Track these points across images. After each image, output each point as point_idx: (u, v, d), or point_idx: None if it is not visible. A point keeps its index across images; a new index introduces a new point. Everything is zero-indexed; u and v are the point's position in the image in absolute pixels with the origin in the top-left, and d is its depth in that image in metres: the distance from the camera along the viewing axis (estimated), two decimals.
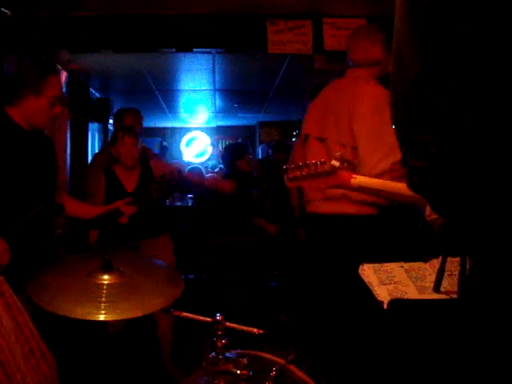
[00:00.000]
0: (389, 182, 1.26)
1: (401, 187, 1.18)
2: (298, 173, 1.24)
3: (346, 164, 1.23)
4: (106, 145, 5.30)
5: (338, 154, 1.26)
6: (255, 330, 1.34)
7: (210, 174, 7.06)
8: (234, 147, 4.54)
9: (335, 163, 1.21)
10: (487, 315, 0.75)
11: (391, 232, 2.15)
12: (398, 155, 2.00)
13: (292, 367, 1.36)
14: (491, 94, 0.67)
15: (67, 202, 2.26)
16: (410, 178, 0.81)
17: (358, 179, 1.21)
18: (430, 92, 0.72)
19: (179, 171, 2.67)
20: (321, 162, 1.22)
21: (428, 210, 1.09)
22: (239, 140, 8.71)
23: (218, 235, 3.99)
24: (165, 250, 2.96)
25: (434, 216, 1.03)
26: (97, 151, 5.22)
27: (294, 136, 6.92)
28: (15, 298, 1.20)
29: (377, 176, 1.93)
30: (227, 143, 8.89)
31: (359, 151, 2.08)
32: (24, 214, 1.93)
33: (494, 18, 0.65)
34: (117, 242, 2.80)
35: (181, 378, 2.87)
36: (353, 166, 1.30)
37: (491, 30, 0.65)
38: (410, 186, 0.83)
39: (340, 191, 1.87)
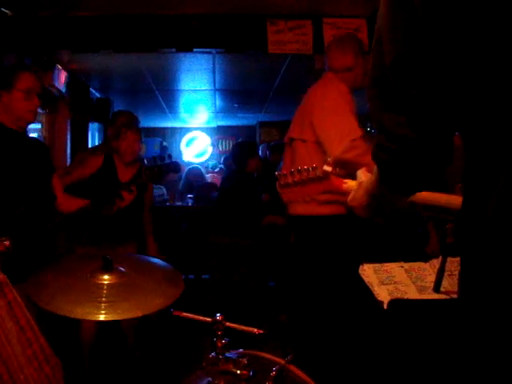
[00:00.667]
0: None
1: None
2: (289, 179, 1.22)
3: (337, 169, 1.22)
4: (101, 143, 5.29)
5: (329, 159, 1.26)
6: (255, 330, 1.34)
7: (210, 174, 7.07)
8: (248, 144, 4.40)
9: (327, 168, 1.20)
10: (487, 315, 0.75)
11: (363, 229, 2.21)
12: (357, 132, 2.14)
13: (292, 367, 1.36)
14: (461, 84, 0.71)
15: (64, 200, 2.29)
16: (377, 153, 0.85)
17: (349, 184, 1.21)
18: (403, 78, 0.75)
19: None
20: (312, 168, 1.21)
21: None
22: (239, 140, 8.72)
23: (224, 236, 3.95)
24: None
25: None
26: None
27: None
28: (19, 299, 1.20)
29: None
30: (228, 143, 8.89)
31: (323, 143, 2.23)
32: (15, 209, 1.96)
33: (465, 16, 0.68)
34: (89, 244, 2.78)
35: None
36: (346, 170, 1.30)
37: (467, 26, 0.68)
38: (376, 160, 0.87)
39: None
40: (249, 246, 3.89)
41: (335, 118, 2.20)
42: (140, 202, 2.88)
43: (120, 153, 2.85)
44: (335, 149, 2.13)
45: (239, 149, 4.22)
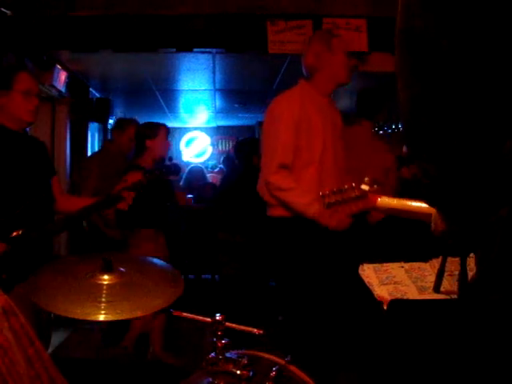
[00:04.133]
0: (407, 201, 1.34)
1: (419, 206, 1.27)
2: (332, 199, 1.34)
3: (375, 186, 1.34)
4: (103, 145, 5.32)
5: (367, 178, 1.38)
6: (255, 329, 1.34)
7: (209, 174, 7.07)
8: (251, 142, 4.45)
9: (365, 187, 1.35)
10: (487, 315, 0.75)
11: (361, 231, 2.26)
12: (284, 158, 2.24)
13: (292, 367, 1.36)
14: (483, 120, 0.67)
15: (65, 200, 2.29)
16: (422, 191, 0.82)
17: (384, 200, 1.31)
18: (423, 118, 0.72)
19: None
20: (352, 187, 1.33)
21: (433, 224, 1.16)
22: (240, 139, 8.72)
23: (234, 233, 3.99)
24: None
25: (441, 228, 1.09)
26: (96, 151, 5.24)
27: None
28: (25, 324, 1.15)
29: (271, 182, 2.20)
30: (227, 143, 8.89)
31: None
32: (15, 209, 1.97)
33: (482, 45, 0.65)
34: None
35: (172, 361, 2.95)
36: (382, 188, 1.41)
37: (483, 58, 0.65)
38: (423, 199, 0.86)
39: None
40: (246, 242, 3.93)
41: (267, 142, 2.33)
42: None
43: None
44: (263, 172, 2.28)
45: (244, 146, 4.27)
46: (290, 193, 2.21)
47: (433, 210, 1.15)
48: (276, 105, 2.35)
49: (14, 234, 1.88)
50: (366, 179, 1.34)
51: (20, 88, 2.06)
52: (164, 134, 3.14)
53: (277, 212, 2.28)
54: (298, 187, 2.23)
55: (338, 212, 1.43)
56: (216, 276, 4.84)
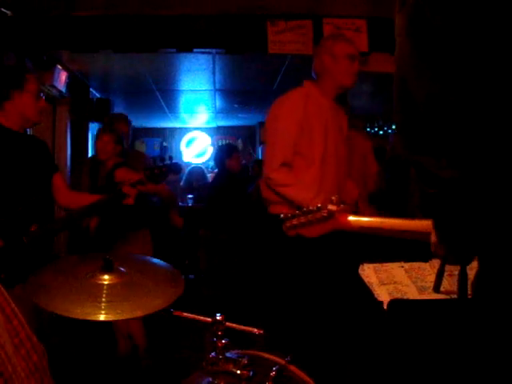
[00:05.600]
0: (387, 219, 1.26)
1: (397, 223, 1.19)
2: (295, 221, 1.24)
3: (342, 206, 1.24)
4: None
5: (333, 197, 1.26)
6: (255, 329, 1.34)
7: (209, 174, 7.07)
8: (222, 148, 4.93)
9: (332, 207, 1.22)
10: (487, 315, 0.75)
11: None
12: (283, 158, 2.26)
13: (292, 367, 1.36)
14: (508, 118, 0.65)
15: (70, 196, 2.30)
16: (421, 202, 0.79)
17: (355, 220, 1.22)
18: (441, 116, 0.69)
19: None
20: (317, 208, 1.22)
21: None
22: (239, 140, 8.72)
23: (211, 231, 4.28)
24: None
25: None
26: None
27: None
28: (2, 289, 1.20)
29: (273, 178, 2.24)
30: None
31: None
32: (15, 209, 1.98)
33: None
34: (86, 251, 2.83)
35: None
36: (349, 207, 1.31)
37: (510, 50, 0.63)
38: (421, 210, 0.83)
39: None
40: (227, 240, 4.18)
41: (269, 140, 2.36)
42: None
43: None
44: (265, 169, 2.31)
45: (216, 153, 4.86)
46: (293, 187, 2.23)
47: (409, 226, 1.11)
48: (279, 104, 2.37)
49: (32, 228, 1.92)
50: (333, 198, 1.24)
51: (31, 88, 2.10)
52: (99, 137, 3.09)
53: (277, 209, 2.29)
54: (300, 182, 2.25)
55: (302, 233, 1.32)
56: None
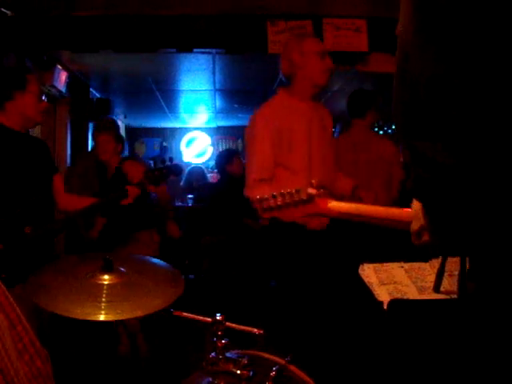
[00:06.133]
0: (364, 205, 1.23)
1: (377, 210, 1.16)
2: (272, 202, 1.18)
3: (321, 190, 1.20)
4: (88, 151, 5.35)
5: (313, 180, 1.22)
6: (255, 329, 1.34)
7: (209, 174, 7.07)
8: (222, 154, 5.00)
9: (311, 191, 1.15)
10: (487, 315, 0.75)
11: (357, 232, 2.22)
12: (262, 173, 2.23)
13: (292, 367, 1.36)
14: (506, 108, 0.64)
15: (66, 199, 2.30)
16: (416, 187, 0.77)
17: (335, 205, 1.18)
18: (442, 98, 0.67)
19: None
20: (296, 191, 1.16)
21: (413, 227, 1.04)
22: (239, 140, 8.72)
23: (208, 235, 4.33)
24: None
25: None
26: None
27: None
28: (7, 293, 1.20)
29: (249, 196, 2.16)
30: (228, 144, 8.89)
31: None
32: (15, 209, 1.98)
33: None
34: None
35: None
36: (328, 191, 1.27)
37: None
38: (414, 194, 0.80)
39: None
40: (223, 242, 4.24)
41: (246, 158, 2.36)
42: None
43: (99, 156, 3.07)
44: (244, 189, 2.26)
45: (217, 160, 4.98)
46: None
47: (388, 214, 1.09)
48: (251, 121, 2.34)
49: (26, 230, 1.91)
50: (313, 181, 1.18)
51: (32, 89, 2.10)
52: (96, 138, 3.11)
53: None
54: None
55: (278, 216, 1.27)
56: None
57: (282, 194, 1.18)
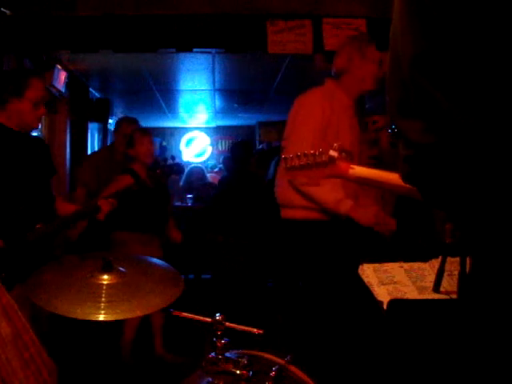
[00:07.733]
0: (385, 172, 1.27)
1: (397, 178, 1.18)
2: (296, 162, 1.24)
3: (343, 154, 1.24)
4: (104, 147, 5.33)
5: (336, 144, 1.26)
6: (255, 330, 1.34)
7: (209, 174, 7.07)
8: (247, 143, 4.43)
9: (333, 153, 1.21)
10: (487, 315, 0.75)
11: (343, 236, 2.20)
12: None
13: (292, 367, 1.36)
14: (490, 84, 0.63)
15: (60, 205, 2.29)
16: (402, 167, 0.78)
17: (356, 170, 1.22)
18: (423, 77, 0.67)
19: None
20: (319, 152, 1.22)
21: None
22: (237, 140, 8.72)
23: (227, 235, 4.01)
24: None
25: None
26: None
27: None
28: (12, 302, 1.20)
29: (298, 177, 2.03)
30: (227, 143, 8.89)
31: None
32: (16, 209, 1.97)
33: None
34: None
35: (175, 361, 2.97)
36: (350, 157, 1.31)
37: (495, 16, 0.60)
38: (401, 175, 0.80)
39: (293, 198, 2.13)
40: (248, 245, 3.94)
41: (294, 137, 2.21)
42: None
43: (140, 159, 2.89)
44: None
45: (241, 148, 4.20)
46: (320, 187, 2.06)
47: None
48: (307, 100, 2.29)
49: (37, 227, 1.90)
50: (335, 145, 1.24)
51: (31, 96, 2.06)
52: (141, 141, 2.93)
53: (289, 214, 2.26)
54: (327, 183, 2.04)
55: (300, 176, 1.29)
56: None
57: (306, 155, 1.23)
